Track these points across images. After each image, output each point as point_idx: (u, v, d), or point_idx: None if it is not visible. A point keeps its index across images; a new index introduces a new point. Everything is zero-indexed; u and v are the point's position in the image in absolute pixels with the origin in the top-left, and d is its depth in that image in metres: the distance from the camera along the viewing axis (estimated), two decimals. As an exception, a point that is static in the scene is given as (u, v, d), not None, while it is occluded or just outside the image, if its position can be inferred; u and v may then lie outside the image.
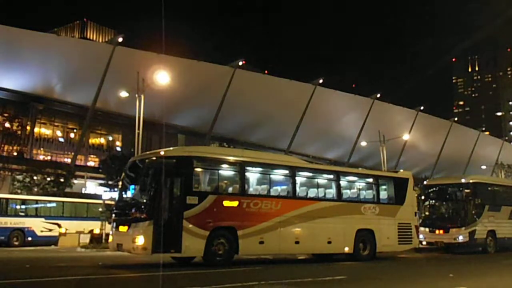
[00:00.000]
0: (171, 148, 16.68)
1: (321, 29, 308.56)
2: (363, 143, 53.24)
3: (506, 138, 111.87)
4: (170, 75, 27.49)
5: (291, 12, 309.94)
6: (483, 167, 67.12)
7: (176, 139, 52.56)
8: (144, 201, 14.11)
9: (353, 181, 19.68)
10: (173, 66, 33.58)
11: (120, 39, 42.78)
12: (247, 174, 16.34)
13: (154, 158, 14.90)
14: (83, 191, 43.07)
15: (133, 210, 14.46)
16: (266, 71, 58.51)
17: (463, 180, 24.79)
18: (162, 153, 14.99)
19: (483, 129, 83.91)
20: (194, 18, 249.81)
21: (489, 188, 25.62)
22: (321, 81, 54.40)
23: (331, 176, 18.79)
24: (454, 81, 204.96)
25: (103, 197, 29.93)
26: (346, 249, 17.77)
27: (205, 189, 15.33)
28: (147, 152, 17.57)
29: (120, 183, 16.58)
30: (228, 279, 11.63)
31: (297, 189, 17.32)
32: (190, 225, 14.08)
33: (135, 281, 12.10)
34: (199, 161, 15.31)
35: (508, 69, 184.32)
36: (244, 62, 51.22)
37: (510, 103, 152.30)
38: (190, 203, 14.29)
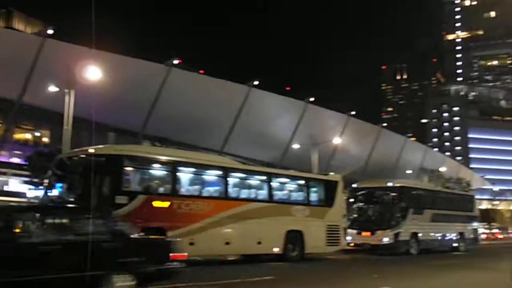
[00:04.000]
0: (100, 146, 16.24)
1: (258, 30, 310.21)
2: (296, 146, 54.02)
3: (430, 144, 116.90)
4: (102, 70, 26.75)
5: (242, 13, 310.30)
6: (409, 171, 69.83)
7: (106, 137, 51.29)
8: (71, 200, 13.65)
9: (284, 183, 19.94)
10: (105, 62, 32.49)
11: (51, 31, 41.18)
12: (178, 174, 16.17)
13: (82, 156, 14.48)
14: (4, 189, 41.16)
15: (58, 209, 13.96)
16: (201, 71, 57.94)
17: (389, 184, 25.63)
18: (91, 150, 14.58)
19: (410, 135, 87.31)
20: (132, 16, 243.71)
21: (414, 192, 26.58)
22: (256, 82, 54.66)
23: (263, 177, 18.95)
24: (383, 87, 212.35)
25: (27, 195, 28.73)
26: (276, 250, 17.96)
27: (135, 189, 15.00)
28: (76, 150, 17.02)
29: (46, 180, 15.97)
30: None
31: (229, 190, 17.33)
32: (119, 226, 13.75)
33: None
34: (130, 160, 15.00)
35: (433, 78, 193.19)
36: (180, 60, 50.52)
37: (434, 111, 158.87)
38: (119, 203, 13.94)
